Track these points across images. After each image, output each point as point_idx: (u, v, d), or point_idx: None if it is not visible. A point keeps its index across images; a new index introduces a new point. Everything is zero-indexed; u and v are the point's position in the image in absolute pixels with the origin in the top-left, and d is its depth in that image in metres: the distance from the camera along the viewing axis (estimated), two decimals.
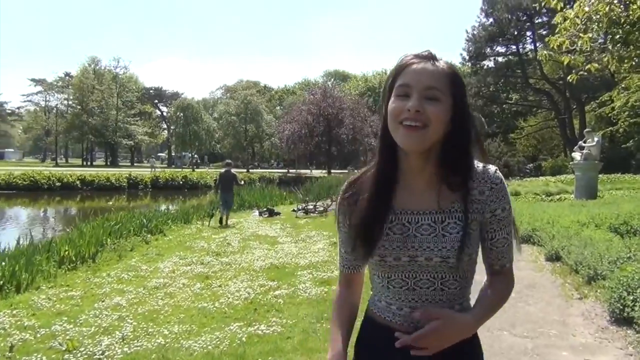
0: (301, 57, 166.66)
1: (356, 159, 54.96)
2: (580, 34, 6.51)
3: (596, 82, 40.66)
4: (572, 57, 6.49)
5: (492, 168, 1.31)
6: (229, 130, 61.26)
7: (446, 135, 1.26)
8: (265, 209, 16.27)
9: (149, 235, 10.87)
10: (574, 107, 42.23)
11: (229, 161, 16.32)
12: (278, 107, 76.05)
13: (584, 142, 15.80)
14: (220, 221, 13.73)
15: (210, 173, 43.36)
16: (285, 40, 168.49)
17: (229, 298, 5.93)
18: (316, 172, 51.65)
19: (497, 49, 44.93)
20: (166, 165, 70.01)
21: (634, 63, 6.30)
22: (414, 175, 1.31)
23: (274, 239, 10.77)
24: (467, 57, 45.12)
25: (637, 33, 5.90)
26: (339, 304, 1.47)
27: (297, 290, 6.20)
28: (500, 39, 43.42)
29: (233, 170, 14.96)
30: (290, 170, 60.64)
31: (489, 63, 45.89)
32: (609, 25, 6.09)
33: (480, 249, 1.34)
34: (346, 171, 50.09)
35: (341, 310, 1.45)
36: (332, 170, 49.86)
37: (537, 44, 41.70)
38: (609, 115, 30.63)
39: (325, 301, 5.70)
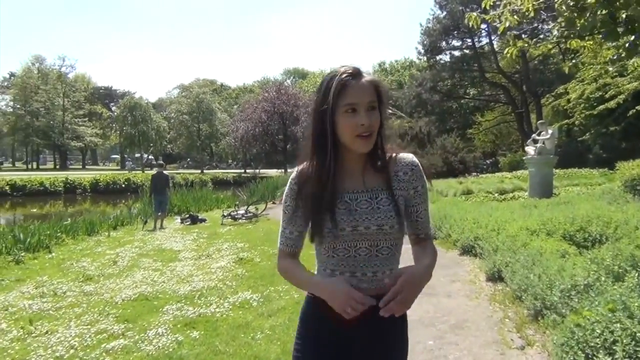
0: (261, 55, 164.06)
1: None
2: None
3: (552, 76, 40.10)
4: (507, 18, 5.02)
5: (410, 155, 1.68)
6: (181, 129, 58.88)
7: None
8: (187, 216, 14.44)
9: (22, 254, 8.96)
10: (531, 101, 41.49)
11: (161, 162, 16.42)
12: (235, 106, 73.82)
13: (538, 134, 14.51)
14: (155, 225, 13.08)
15: None
16: (245, 38, 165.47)
17: (37, 357, 4.19)
18: (273, 172, 49.72)
19: (452, 43, 43.71)
20: (119, 168, 67.04)
21: (586, 23, 4.81)
22: (353, 164, 1.64)
23: (175, 254, 9.01)
24: (422, 51, 43.84)
25: None
26: (288, 269, 1.73)
27: (142, 340, 4.49)
28: (455, 32, 42.12)
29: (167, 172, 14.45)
30: (247, 170, 58.82)
31: (444, 57, 44.79)
32: None
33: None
34: None
35: (296, 270, 1.71)
36: (290, 170, 48.00)
37: (492, 37, 40.80)
38: (565, 108, 29.81)
39: (169, 359, 4.03)
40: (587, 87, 25.63)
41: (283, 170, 46.18)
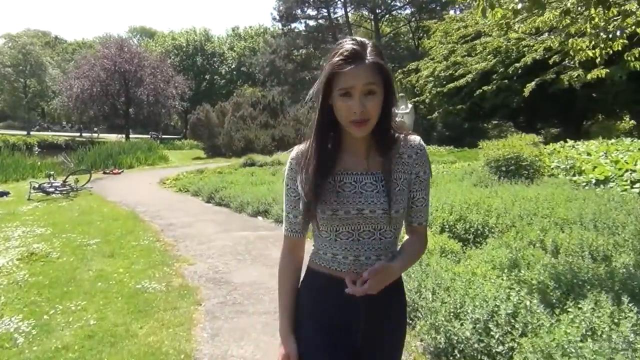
0: (104, 9, 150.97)
1: (158, 123, 49.71)
2: None
3: (403, 52, 40.84)
4: None
5: (417, 138, 1.60)
6: (3, 84, 51.47)
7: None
8: None
9: None
10: None
11: None
12: (71, 63, 66.49)
13: (397, 108, 13.72)
14: None
15: None
16: None
17: None
18: (113, 136, 45.44)
19: (307, 12, 42.71)
20: None
21: None
22: (355, 145, 1.55)
23: None
24: (277, 17, 42.26)
25: None
26: (284, 276, 1.68)
27: None
28: (310, 0, 41.19)
29: None
30: (84, 134, 53.63)
31: (299, 26, 43.61)
32: None
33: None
34: (148, 136, 44.85)
35: (286, 283, 1.67)
36: (132, 135, 44.23)
37: (348, 9, 40.46)
38: (415, 85, 30.17)
39: None
40: (437, 65, 25.90)
41: (124, 136, 42.33)
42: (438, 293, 3.57)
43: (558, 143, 14.06)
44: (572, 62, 7.21)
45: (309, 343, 1.59)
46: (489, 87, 21.72)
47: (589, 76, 7.20)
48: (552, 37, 6.77)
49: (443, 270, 3.92)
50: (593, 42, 6.09)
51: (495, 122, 33.43)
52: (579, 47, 6.25)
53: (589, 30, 5.98)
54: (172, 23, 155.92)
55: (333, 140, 1.54)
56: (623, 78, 16.10)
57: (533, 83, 17.79)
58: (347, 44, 1.45)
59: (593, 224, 5.52)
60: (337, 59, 1.43)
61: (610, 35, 5.81)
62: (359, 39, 1.48)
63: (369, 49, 1.44)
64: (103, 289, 4.73)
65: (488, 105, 24.69)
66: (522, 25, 5.90)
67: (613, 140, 14.45)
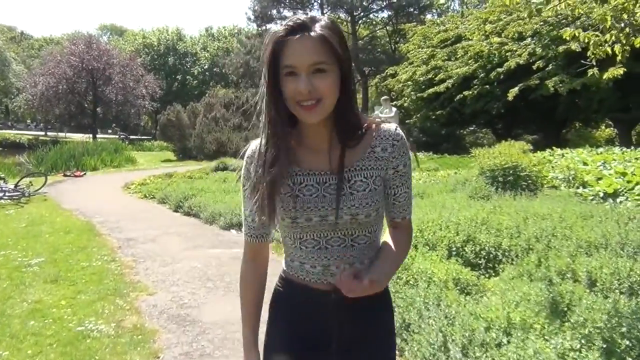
0: (74, 5, 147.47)
1: (127, 123, 48.24)
2: None
3: (380, 56, 40.28)
4: None
5: (393, 126, 1.36)
6: None
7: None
8: None
9: None
10: (358, 80, 41.38)
11: None
12: (37, 60, 64.34)
13: (381, 112, 12.93)
14: None
15: None
16: None
17: None
18: (78, 136, 43.78)
19: (283, 13, 41.88)
20: None
21: None
22: (316, 138, 1.33)
23: None
24: (252, 17, 41.35)
25: None
26: (245, 284, 1.49)
27: None
28: (287, 1, 40.41)
29: None
30: (49, 133, 51.88)
31: (275, 26, 42.69)
32: None
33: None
34: (116, 136, 43.38)
35: (249, 291, 1.48)
36: (99, 135, 42.74)
37: (325, 10, 39.77)
38: (394, 89, 29.52)
39: None
40: (417, 69, 25.28)
41: (91, 136, 40.76)
42: (470, 350, 2.72)
43: (546, 151, 13.43)
44: (589, 60, 6.46)
45: (276, 356, 1.43)
46: (470, 92, 21.10)
47: (605, 75, 6.43)
48: (570, 29, 6.01)
49: (471, 317, 3.07)
50: (613, 38, 5.31)
51: (472, 128, 32.98)
52: (599, 43, 5.47)
53: (610, 22, 5.23)
54: (144, 22, 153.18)
55: (293, 134, 1.33)
56: (609, 85, 15.58)
57: (517, 88, 17.23)
58: (295, 17, 1.25)
59: (620, 247, 4.79)
60: (281, 30, 1.24)
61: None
62: (313, 15, 1.27)
63: (319, 22, 1.24)
64: (36, 330, 3.74)
65: (468, 111, 24.08)
66: (558, 5, 5.08)
67: (601, 149, 13.92)
